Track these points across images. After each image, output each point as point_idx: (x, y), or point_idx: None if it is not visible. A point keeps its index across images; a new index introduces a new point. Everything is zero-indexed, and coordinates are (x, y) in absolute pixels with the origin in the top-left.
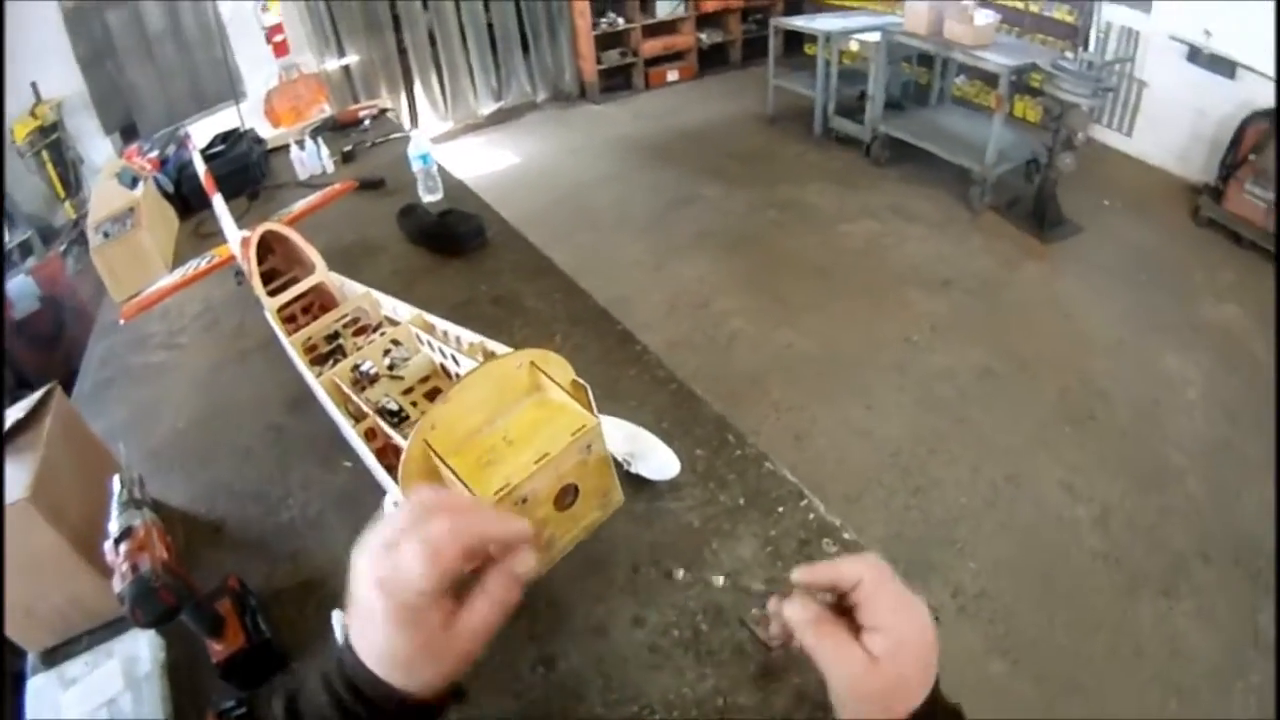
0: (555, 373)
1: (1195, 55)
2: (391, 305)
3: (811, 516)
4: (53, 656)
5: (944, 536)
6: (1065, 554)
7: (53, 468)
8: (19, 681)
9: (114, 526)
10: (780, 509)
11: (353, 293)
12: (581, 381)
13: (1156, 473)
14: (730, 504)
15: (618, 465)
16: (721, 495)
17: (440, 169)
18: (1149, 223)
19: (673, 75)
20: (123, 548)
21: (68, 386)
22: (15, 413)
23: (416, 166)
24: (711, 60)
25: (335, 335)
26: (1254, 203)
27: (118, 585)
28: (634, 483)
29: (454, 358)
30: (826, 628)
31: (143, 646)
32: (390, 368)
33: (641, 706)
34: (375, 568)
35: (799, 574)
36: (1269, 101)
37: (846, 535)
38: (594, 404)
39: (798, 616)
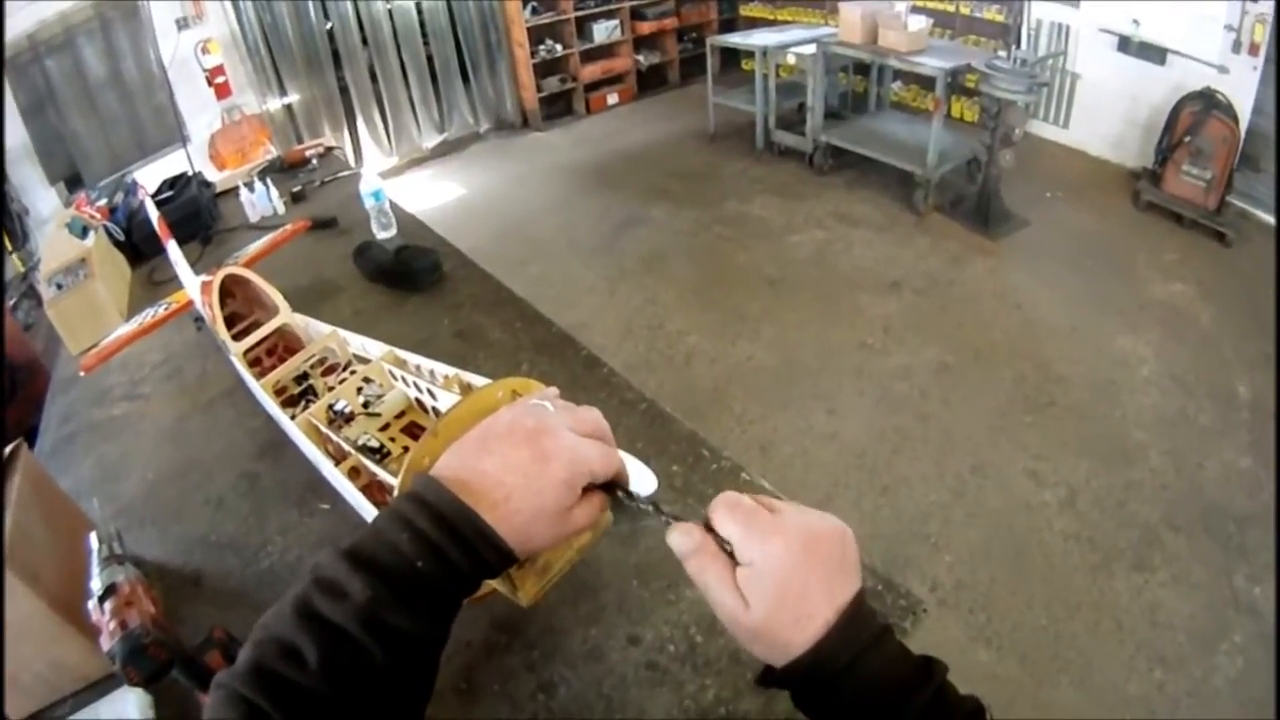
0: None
1: (1125, 44)
2: (360, 343)
3: None
4: None
5: (917, 532)
6: (1037, 538)
7: (24, 529)
8: None
9: (96, 584)
10: None
11: (318, 333)
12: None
13: (1118, 450)
14: None
15: None
16: (701, 509)
17: (392, 205)
18: (1092, 211)
19: (613, 98)
20: (108, 605)
21: (28, 444)
22: None
23: (369, 204)
24: (650, 81)
25: (304, 376)
26: (1192, 183)
27: (106, 644)
28: (613, 504)
29: (430, 391)
30: (705, 559)
31: (131, 706)
32: (365, 405)
33: None
34: (569, 436)
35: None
36: (1199, 84)
37: None
38: None
39: (680, 546)
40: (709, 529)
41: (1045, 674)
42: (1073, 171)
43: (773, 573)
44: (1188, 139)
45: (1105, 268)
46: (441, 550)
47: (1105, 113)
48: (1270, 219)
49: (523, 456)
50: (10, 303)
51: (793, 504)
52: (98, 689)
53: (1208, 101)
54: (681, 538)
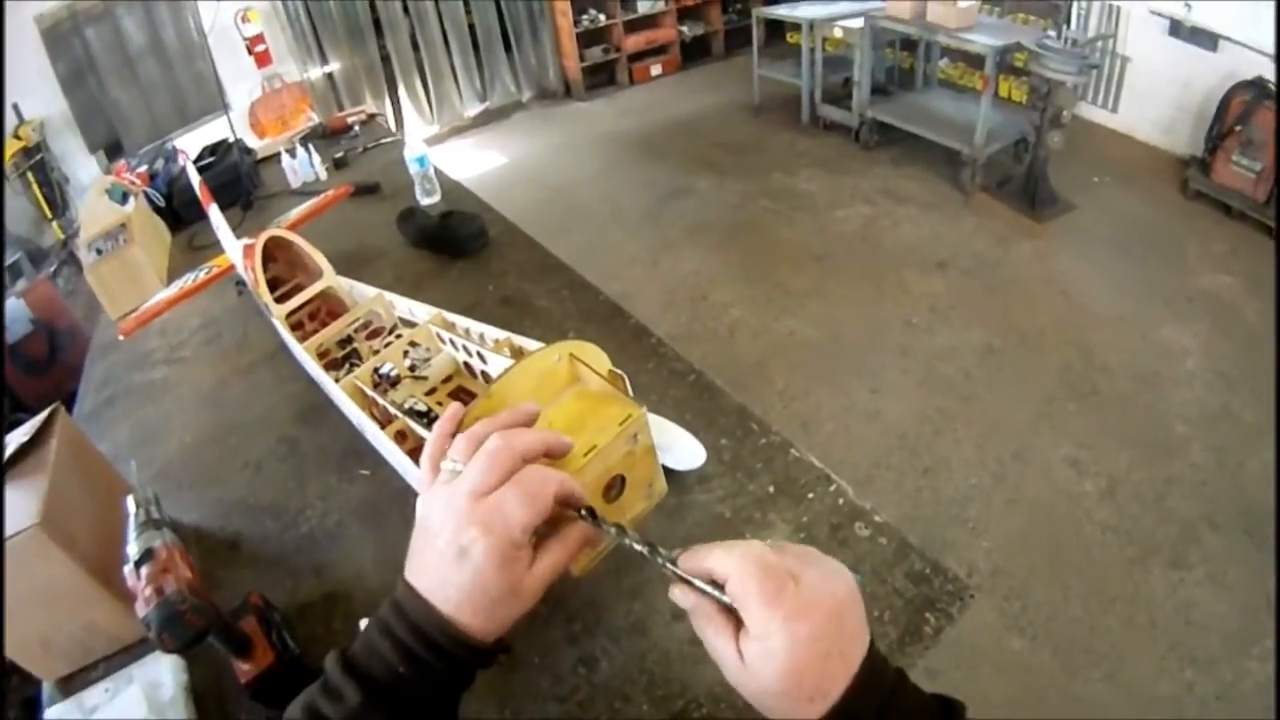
0: (593, 363)
1: (1177, 29)
2: (407, 306)
3: (841, 501)
4: (69, 684)
5: (956, 515)
6: (1076, 528)
7: (61, 492)
8: (34, 712)
9: (133, 549)
10: (810, 495)
11: (363, 296)
12: (619, 371)
13: (1161, 443)
14: (760, 493)
15: None
16: (750, 485)
17: (436, 171)
18: (1140, 197)
19: (656, 69)
20: (144, 571)
21: (67, 408)
22: (19, 436)
23: (413, 170)
24: (694, 53)
25: (348, 340)
26: (1242, 174)
27: (142, 610)
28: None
29: (480, 355)
30: (702, 620)
31: (164, 670)
32: (411, 369)
33: (687, 701)
34: (474, 510)
35: (682, 559)
36: (1251, 72)
37: (877, 518)
38: (631, 393)
39: (680, 603)
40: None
41: (1077, 667)
42: (1121, 156)
43: (795, 654)
44: (1238, 128)
45: (1152, 256)
46: (418, 656)
47: (1155, 98)
48: None
49: (447, 550)
50: (50, 269)
51: (804, 552)
52: (131, 653)
53: (1259, 90)
54: (681, 598)
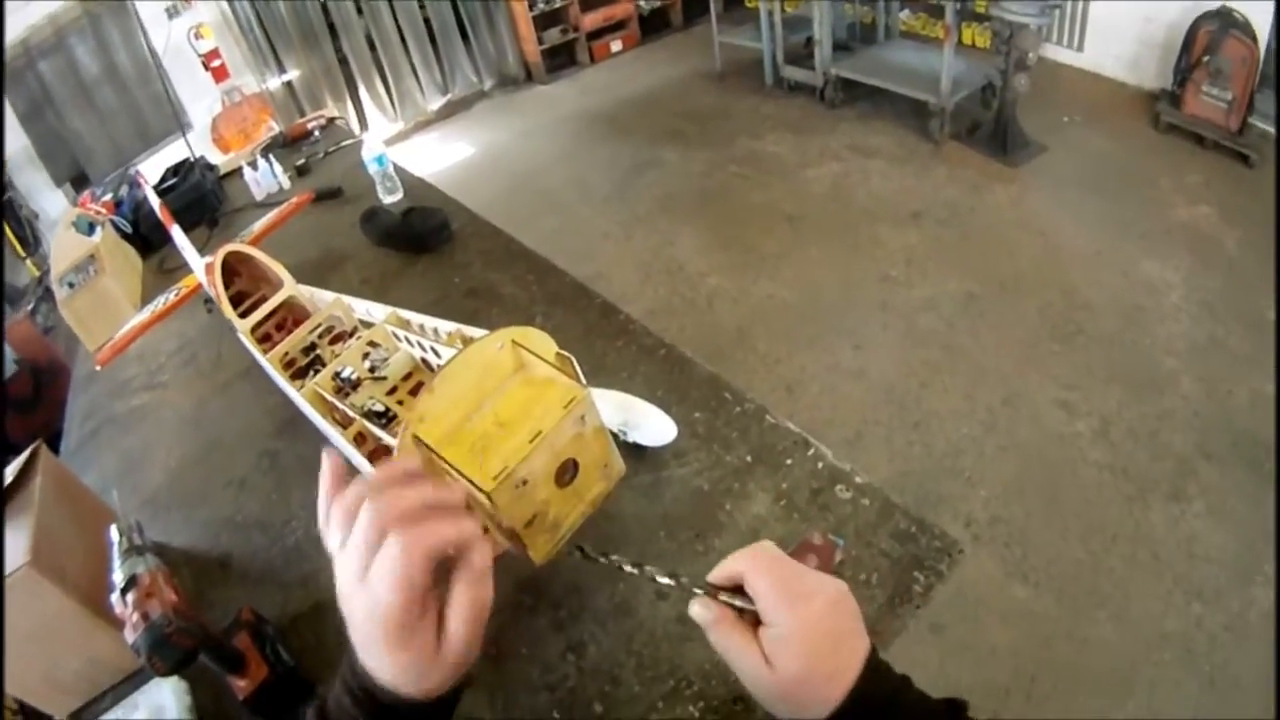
0: (538, 347)
1: None
2: (364, 308)
3: (821, 464)
4: (80, 718)
5: (950, 467)
6: (1071, 469)
7: (49, 529)
8: None
9: (118, 577)
10: (788, 461)
11: (323, 302)
12: (565, 353)
13: (1150, 379)
14: (737, 463)
15: (615, 437)
16: (727, 455)
17: (397, 168)
18: (1111, 134)
19: (616, 46)
20: (130, 597)
21: (54, 445)
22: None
23: (373, 169)
24: (653, 26)
25: (312, 347)
26: (1212, 104)
27: (130, 636)
28: (634, 454)
29: (434, 350)
30: (725, 628)
31: (167, 694)
32: (371, 370)
33: (678, 680)
34: (356, 599)
35: (710, 576)
36: (1215, 2)
37: (858, 479)
38: (581, 374)
39: (700, 618)
40: (719, 588)
41: (1083, 609)
42: (1089, 95)
43: (807, 635)
44: (1206, 59)
45: (1127, 192)
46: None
47: (1119, 34)
48: None
49: (358, 639)
50: (29, 307)
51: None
52: (135, 681)
53: (1224, 20)
54: (701, 610)
